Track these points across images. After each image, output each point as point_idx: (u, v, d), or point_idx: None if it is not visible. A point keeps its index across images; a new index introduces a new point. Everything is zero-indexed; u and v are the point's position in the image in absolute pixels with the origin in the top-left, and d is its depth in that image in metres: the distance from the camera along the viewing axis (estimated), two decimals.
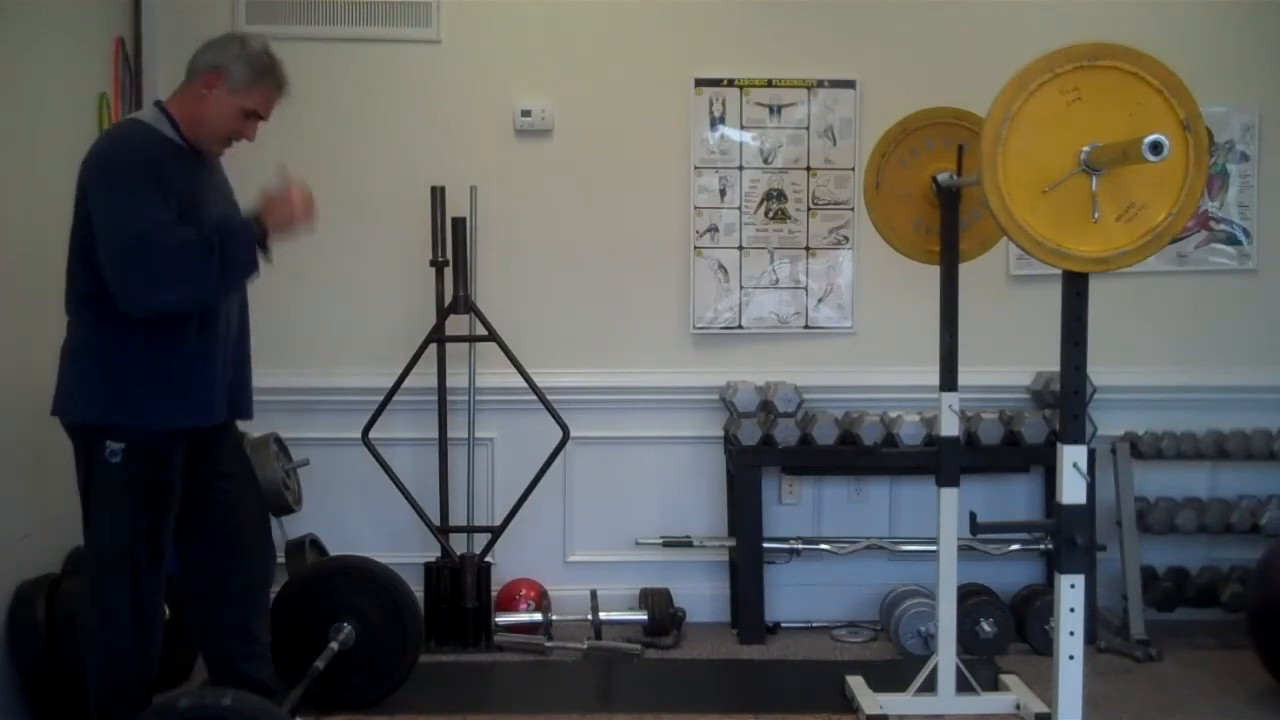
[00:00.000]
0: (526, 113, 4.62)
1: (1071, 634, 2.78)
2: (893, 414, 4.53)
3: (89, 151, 3.00)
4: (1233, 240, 4.76)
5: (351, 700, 3.66)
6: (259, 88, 3.05)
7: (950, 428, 3.66)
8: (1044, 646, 4.25)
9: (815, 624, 4.64)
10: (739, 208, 4.69)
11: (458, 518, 4.54)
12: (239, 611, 3.23)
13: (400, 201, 4.58)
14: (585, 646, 4.26)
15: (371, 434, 4.37)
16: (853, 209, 4.67)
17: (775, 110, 4.67)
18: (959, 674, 3.65)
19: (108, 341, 2.94)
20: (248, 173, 4.60)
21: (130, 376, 2.93)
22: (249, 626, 3.25)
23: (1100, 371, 4.14)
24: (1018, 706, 3.70)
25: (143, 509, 2.96)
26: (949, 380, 3.66)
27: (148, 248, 2.83)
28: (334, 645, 3.54)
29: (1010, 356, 4.66)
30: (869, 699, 3.69)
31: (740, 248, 4.69)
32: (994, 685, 3.82)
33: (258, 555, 3.29)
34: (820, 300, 4.72)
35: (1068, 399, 2.80)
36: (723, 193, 4.68)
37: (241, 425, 3.35)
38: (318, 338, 4.64)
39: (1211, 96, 3.95)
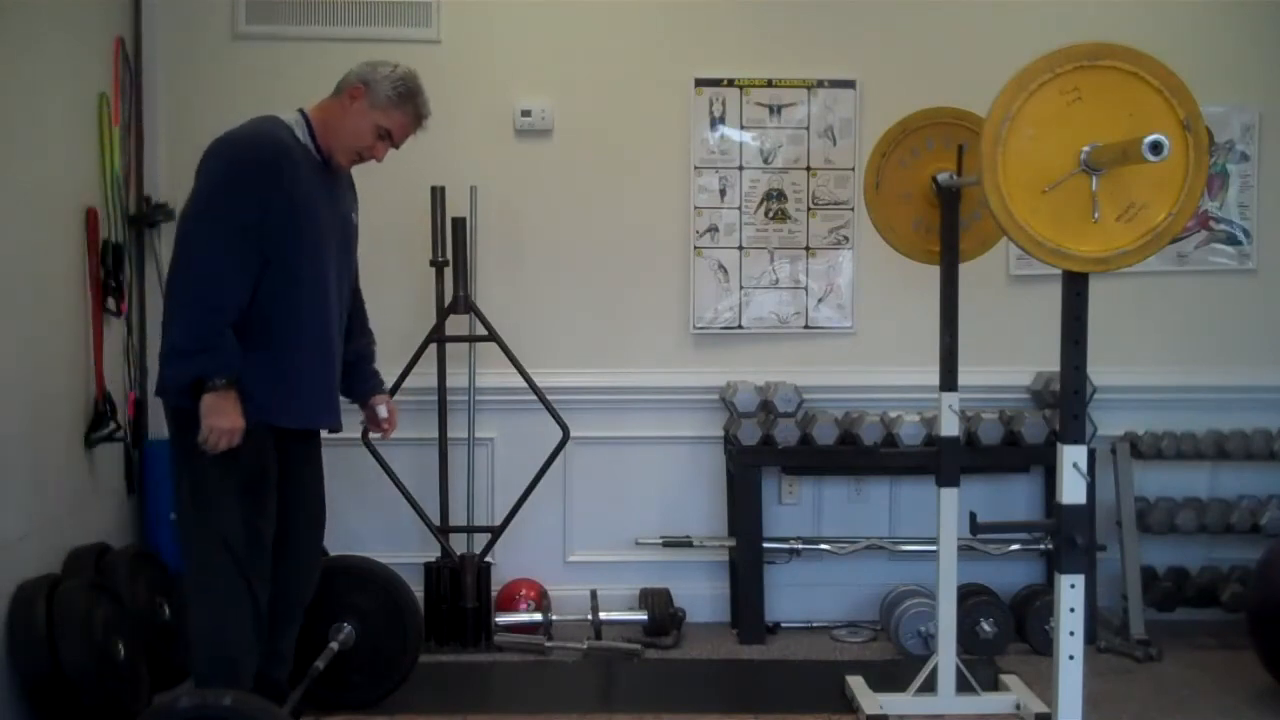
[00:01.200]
0: (526, 113, 4.62)
1: (1071, 634, 2.78)
2: (893, 414, 4.53)
3: (217, 138, 3.04)
4: (1233, 240, 4.76)
5: (351, 700, 3.66)
6: (398, 110, 3.15)
7: (950, 428, 3.66)
8: (1044, 646, 4.25)
9: (815, 624, 4.64)
10: (739, 208, 4.69)
11: (458, 518, 4.54)
12: (277, 614, 3.24)
13: (400, 201, 4.58)
14: (585, 646, 4.26)
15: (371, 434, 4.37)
16: (853, 209, 4.67)
17: (775, 110, 4.67)
18: (959, 674, 3.65)
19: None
20: None
21: (246, 373, 2.95)
22: (283, 628, 3.27)
23: (1100, 371, 4.14)
24: (1018, 706, 3.70)
25: (239, 496, 2.99)
26: (949, 380, 3.66)
27: (201, 294, 2.90)
28: (334, 645, 3.54)
29: (1010, 356, 4.66)
30: (869, 699, 3.69)
31: (740, 248, 4.69)
32: (994, 685, 3.82)
33: (307, 563, 3.33)
34: (820, 300, 4.72)
35: (1068, 399, 2.80)
36: (723, 193, 4.68)
37: None
38: None
39: (1211, 96, 3.95)
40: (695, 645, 4.44)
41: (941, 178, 3.60)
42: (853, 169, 4.65)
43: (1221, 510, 4.59)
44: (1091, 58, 2.64)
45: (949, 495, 3.65)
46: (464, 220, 4.46)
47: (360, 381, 3.45)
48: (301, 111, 3.17)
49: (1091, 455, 4.19)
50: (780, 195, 4.69)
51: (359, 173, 4.62)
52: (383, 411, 3.47)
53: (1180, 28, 4.60)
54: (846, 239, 4.71)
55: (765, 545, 4.54)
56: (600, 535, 4.72)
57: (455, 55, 4.61)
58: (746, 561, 4.51)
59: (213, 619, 3.03)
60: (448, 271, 4.45)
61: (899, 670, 3.96)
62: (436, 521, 4.45)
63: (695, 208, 4.68)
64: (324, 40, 4.56)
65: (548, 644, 4.28)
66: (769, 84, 4.67)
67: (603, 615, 4.43)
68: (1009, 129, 2.64)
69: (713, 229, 4.69)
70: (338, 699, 3.63)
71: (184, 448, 2.99)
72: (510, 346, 4.39)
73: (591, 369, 4.68)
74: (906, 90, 4.12)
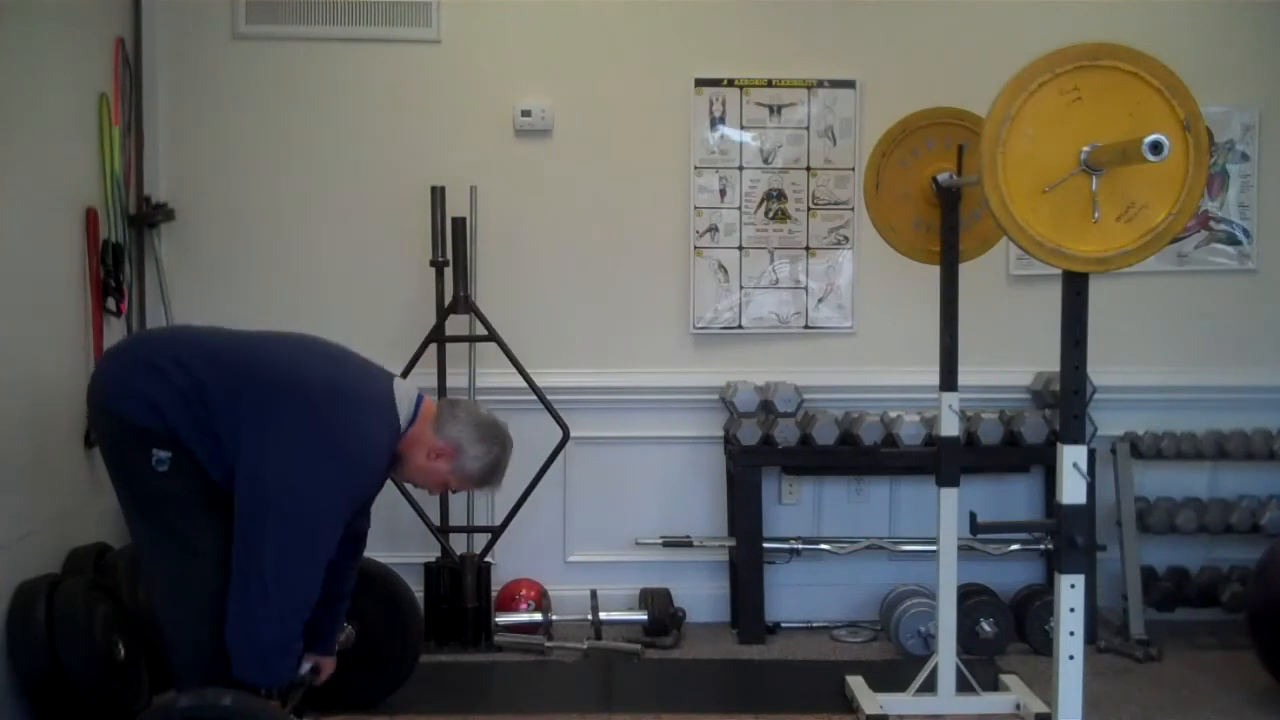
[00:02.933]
0: (526, 113, 4.62)
1: (1071, 634, 2.78)
2: (893, 414, 4.53)
3: (339, 416, 2.90)
4: (1233, 240, 4.76)
5: (351, 700, 3.65)
6: (469, 484, 3.15)
7: (950, 428, 3.66)
8: (1044, 646, 4.25)
9: (815, 624, 4.64)
10: (739, 208, 4.68)
11: (458, 518, 4.54)
12: None
13: (400, 201, 4.58)
14: (585, 646, 4.26)
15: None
16: (853, 209, 4.67)
17: (775, 110, 4.67)
18: (959, 674, 3.65)
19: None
20: (232, 160, 4.61)
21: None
22: None
23: (1100, 371, 4.14)
24: (1018, 706, 3.70)
25: (190, 512, 2.95)
26: (949, 380, 3.66)
27: (299, 601, 2.87)
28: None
29: (1010, 356, 4.66)
30: (869, 699, 3.69)
31: (740, 248, 4.69)
32: (994, 685, 3.82)
33: None
34: (820, 300, 4.72)
35: (1068, 399, 2.80)
36: (723, 193, 4.68)
37: None
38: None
39: (1211, 96, 3.95)
40: (695, 645, 4.44)
41: (941, 178, 3.60)
42: (853, 169, 4.65)
43: (1221, 510, 4.59)
44: (1091, 58, 2.64)
45: (949, 495, 3.65)
46: (464, 220, 4.45)
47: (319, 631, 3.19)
48: (419, 403, 3.06)
49: (1091, 455, 4.19)
50: (780, 195, 4.69)
51: (359, 172, 4.66)
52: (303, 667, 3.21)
53: (1180, 28, 4.60)
54: (846, 239, 4.71)
55: (765, 545, 4.53)
56: (600, 535, 4.72)
57: (455, 55, 4.61)
58: (746, 561, 4.51)
59: (173, 630, 3.01)
60: (448, 271, 4.45)
61: (899, 670, 3.96)
62: (436, 521, 4.45)
63: (695, 208, 4.68)
64: (324, 40, 4.57)
65: (548, 644, 4.28)
66: (769, 84, 4.66)
67: (603, 615, 4.43)
68: (1009, 129, 2.64)
69: (713, 229, 4.69)
70: (338, 699, 3.62)
71: (133, 463, 2.93)
72: (510, 346, 4.39)
73: (591, 369, 4.68)
74: (906, 90, 4.12)
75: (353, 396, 2.97)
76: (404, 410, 3.02)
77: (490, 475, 3.13)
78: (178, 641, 3.03)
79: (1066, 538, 2.75)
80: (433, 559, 4.40)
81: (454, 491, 3.21)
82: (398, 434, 3.01)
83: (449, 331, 4.44)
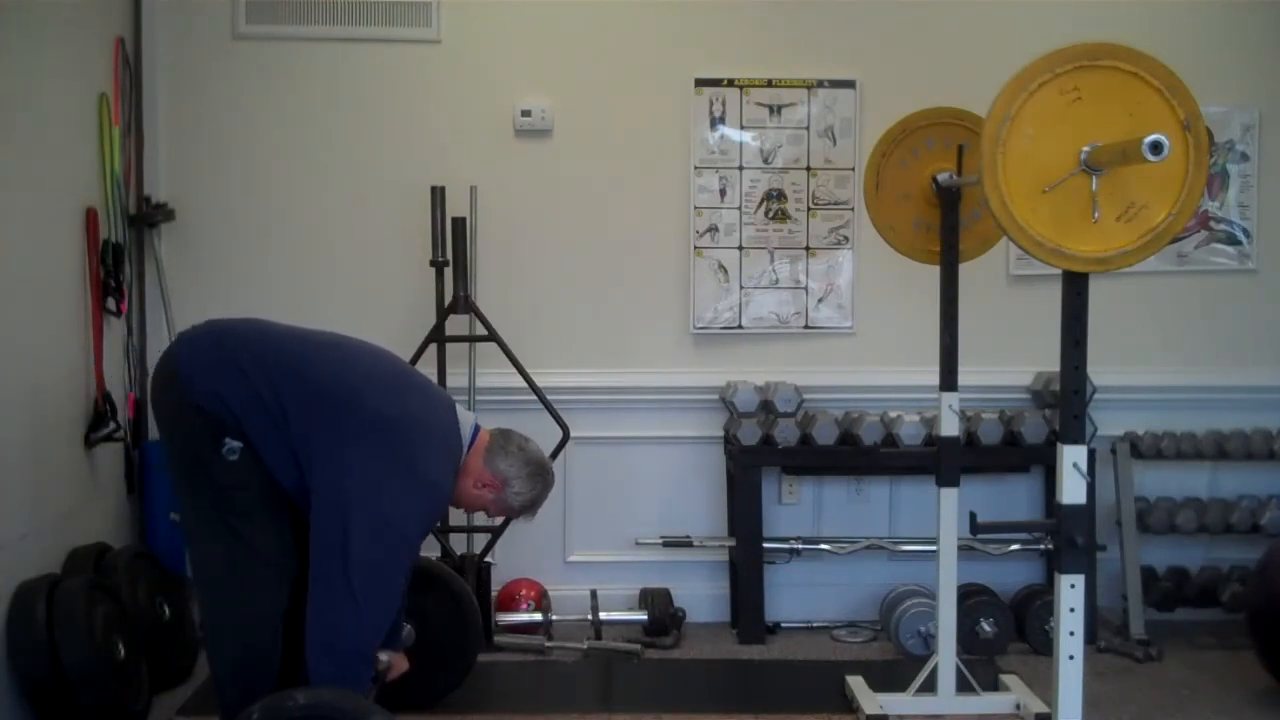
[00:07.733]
0: (526, 113, 4.62)
1: (1071, 634, 2.78)
2: (893, 414, 4.53)
3: (411, 445, 2.95)
4: (1233, 240, 4.76)
5: (411, 700, 3.56)
6: (510, 514, 3.26)
7: (950, 428, 3.66)
8: (1044, 646, 4.25)
9: (815, 624, 4.64)
10: (739, 208, 4.69)
11: (458, 518, 4.52)
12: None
13: (400, 201, 4.58)
14: (585, 646, 4.26)
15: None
16: (853, 209, 4.67)
17: (775, 110, 4.67)
18: (959, 674, 3.65)
19: None
20: (232, 160, 4.62)
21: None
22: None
23: (1100, 371, 4.14)
24: (1018, 706, 3.70)
25: (251, 507, 2.95)
26: (949, 380, 3.66)
27: (387, 608, 2.96)
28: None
29: (1010, 356, 4.66)
30: (869, 699, 3.69)
31: (740, 248, 4.69)
32: (994, 685, 3.82)
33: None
34: (820, 300, 4.72)
35: (1068, 399, 2.80)
36: (723, 193, 4.68)
37: None
38: None
39: (1211, 96, 3.95)
40: (695, 645, 4.44)
41: (941, 178, 3.59)
42: (853, 169, 4.65)
43: (1221, 510, 4.59)
44: (1091, 58, 2.64)
45: (949, 495, 3.65)
46: (464, 220, 4.45)
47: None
48: (475, 432, 3.15)
49: (1091, 455, 4.18)
50: (780, 195, 4.69)
51: (359, 172, 4.66)
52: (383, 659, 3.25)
53: (1180, 28, 4.60)
54: (846, 239, 4.71)
55: (765, 545, 4.53)
56: (600, 535, 4.72)
57: (455, 55, 4.61)
58: (746, 561, 4.51)
59: (216, 620, 3.03)
60: (448, 271, 4.45)
61: (899, 670, 3.96)
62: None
63: (695, 208, 4.68)
64: (324, 40, 4.57)
65: (548, 644, 4.28)
66: (769, 84, 4.66)
67: (603, 615, 4.43)
68: (1009, 129, 2.63)
69: (713, 229, 4.69)
70: (398, 698, 3.51)
71: (205, 456, 2.93)
72: (510, 346, 4.39)
73: (591, 369, 4.68)
74: (906, 90, 4.12)
75: (430, 425, 3.04)
76: (464, 438, 3.11)
77: (528, 509, 3.24)
78: (219, 633, 3.03)
79: (1066, 538, 2.75)
80: (433, 559, 4.39)
81: (490, 516, 3.28)
82: (459, 462, 3.09)
83: (449, 331, 4.44)
